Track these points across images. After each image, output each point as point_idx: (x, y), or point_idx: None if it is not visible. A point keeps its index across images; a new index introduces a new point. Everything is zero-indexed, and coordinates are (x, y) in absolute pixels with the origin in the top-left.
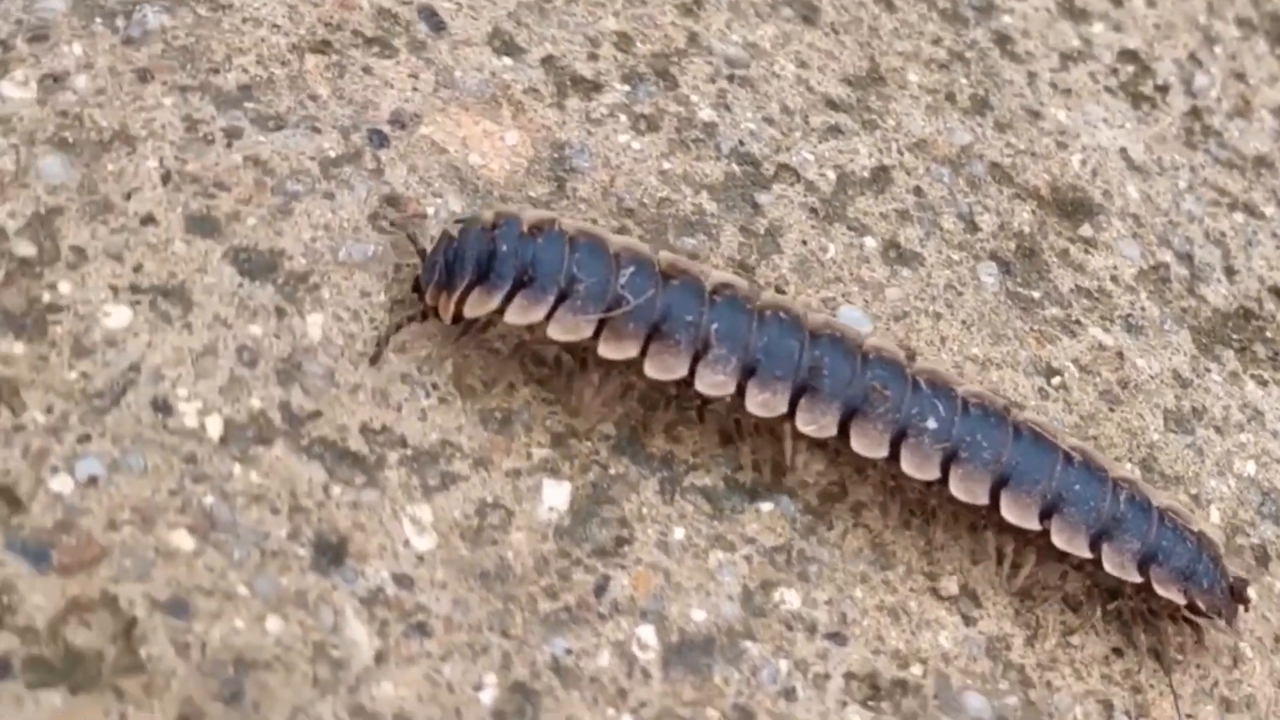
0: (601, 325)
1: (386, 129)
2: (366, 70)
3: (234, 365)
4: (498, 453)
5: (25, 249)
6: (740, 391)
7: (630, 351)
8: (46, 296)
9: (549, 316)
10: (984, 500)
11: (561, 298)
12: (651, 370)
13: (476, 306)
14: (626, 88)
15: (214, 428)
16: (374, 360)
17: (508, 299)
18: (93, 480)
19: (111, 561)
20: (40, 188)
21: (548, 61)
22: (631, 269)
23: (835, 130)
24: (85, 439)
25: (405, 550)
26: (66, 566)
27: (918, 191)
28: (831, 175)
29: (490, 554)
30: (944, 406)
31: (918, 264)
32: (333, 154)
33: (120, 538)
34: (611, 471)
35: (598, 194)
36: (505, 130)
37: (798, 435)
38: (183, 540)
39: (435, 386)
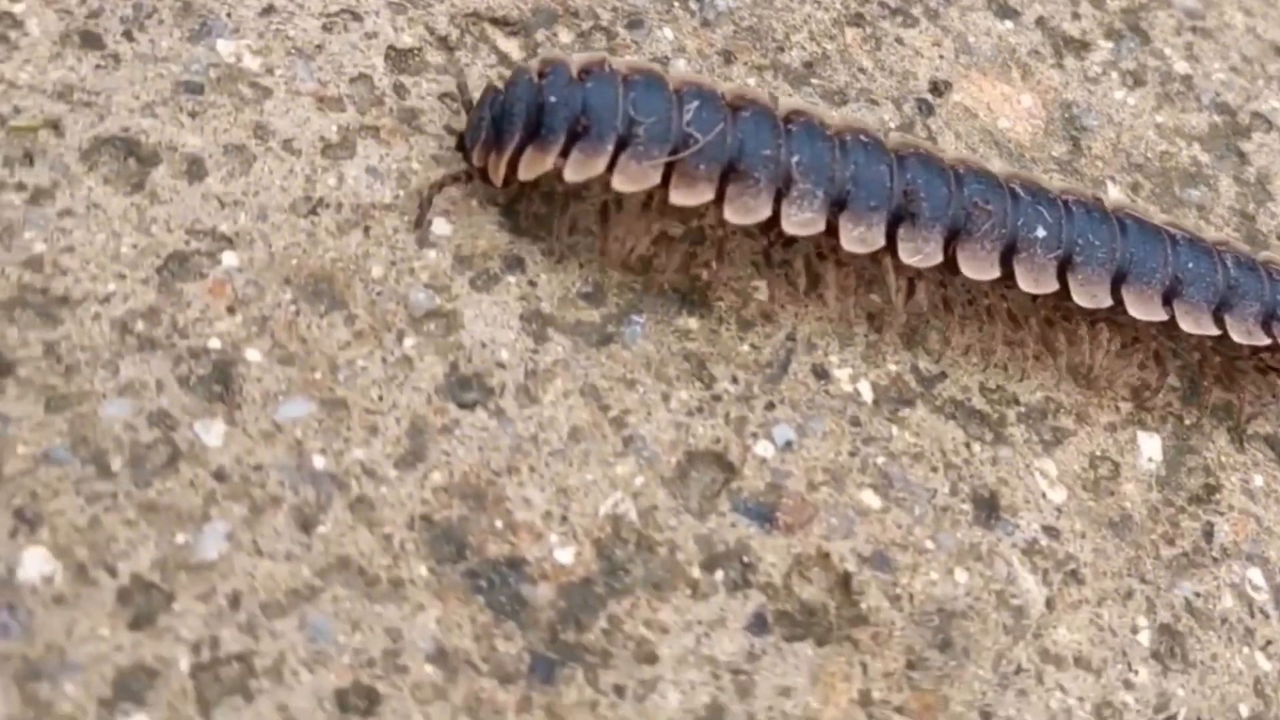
0: (670, 170)
1: (929, 97)
2: (898, 41)
3: (866, 332)
4: (1092, 408)
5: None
6: (831, 229)
7: (706, 195)
8: (704, 275)
9: (611, 168)
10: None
11: (622, 145)
12: (732, 215)
13: (530, 167)
14: (1110, 44)
15: (866, 392)
16: (417, 224)
17: (563, 155)
18: (788, 444)
19: (820, 520)
20: None
21: (1041, 23)
22: (696, 104)
23: None
24: (770, 406)
25: (1044, 502)
26: (788, 526)
27: None
28: None
29: (1112, 504)
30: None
31: None
32: (893, 125)
33: (821, 497)
34: (1186, 422)
35: (1109, 151)
36: (1020, 93)
37: (900, 268)
38: (870, 499)
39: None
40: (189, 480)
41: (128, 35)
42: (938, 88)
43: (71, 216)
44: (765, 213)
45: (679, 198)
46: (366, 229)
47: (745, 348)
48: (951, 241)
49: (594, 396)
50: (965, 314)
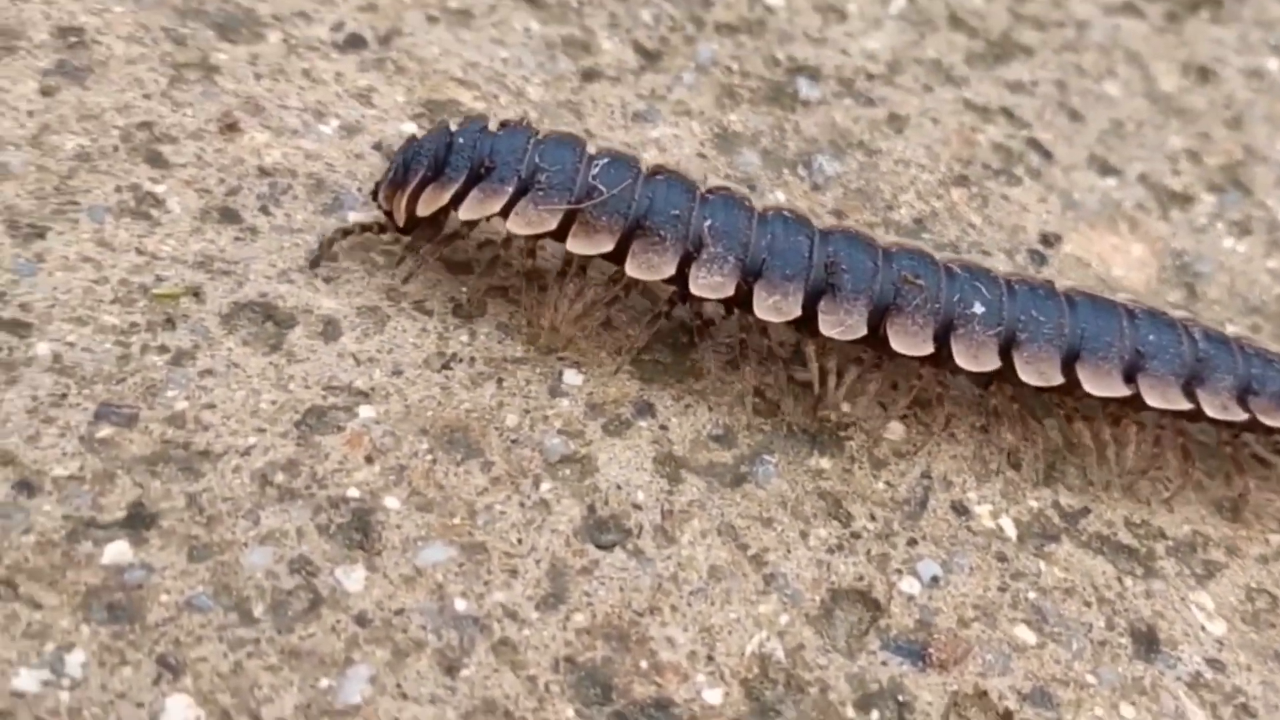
0: (571, 219)
1: (1040, 248)
2: (1004, 198)
3: (1002, 468)
4: (1241, 540)
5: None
6: (745, 298)
7: (605, 247)
8: (833, 416)
9: (507, 210)
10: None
11: (522, 190)
12: (634, 270)
13: (428, 203)
14: (1214, 197)
15: (1009, 528)
16: (313, 265)
17: (461, 194)
18: (934, 580)
19: (975, 656)
20: None
21: (1143, 179)
22: (605, 161)
23: None
24: (912, 543)
25: (1205, 635)
26: (942, 663)
27: None
28: None
29: (1275, 636)
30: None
31: None
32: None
33: (974, 633)
34: None
35: (1225, 295)
36: (1129, 244)
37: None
38: (1025, 634)
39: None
40: (331, 625)
41: (264, 210)
42: (1048, 240)
43: (212, 375)
44: (669, 270)
45: (576, 246)
46: (500, 380)
47: (880, 485)
48: (880, 316)
49: (731, 535)
50: (1102, 450)
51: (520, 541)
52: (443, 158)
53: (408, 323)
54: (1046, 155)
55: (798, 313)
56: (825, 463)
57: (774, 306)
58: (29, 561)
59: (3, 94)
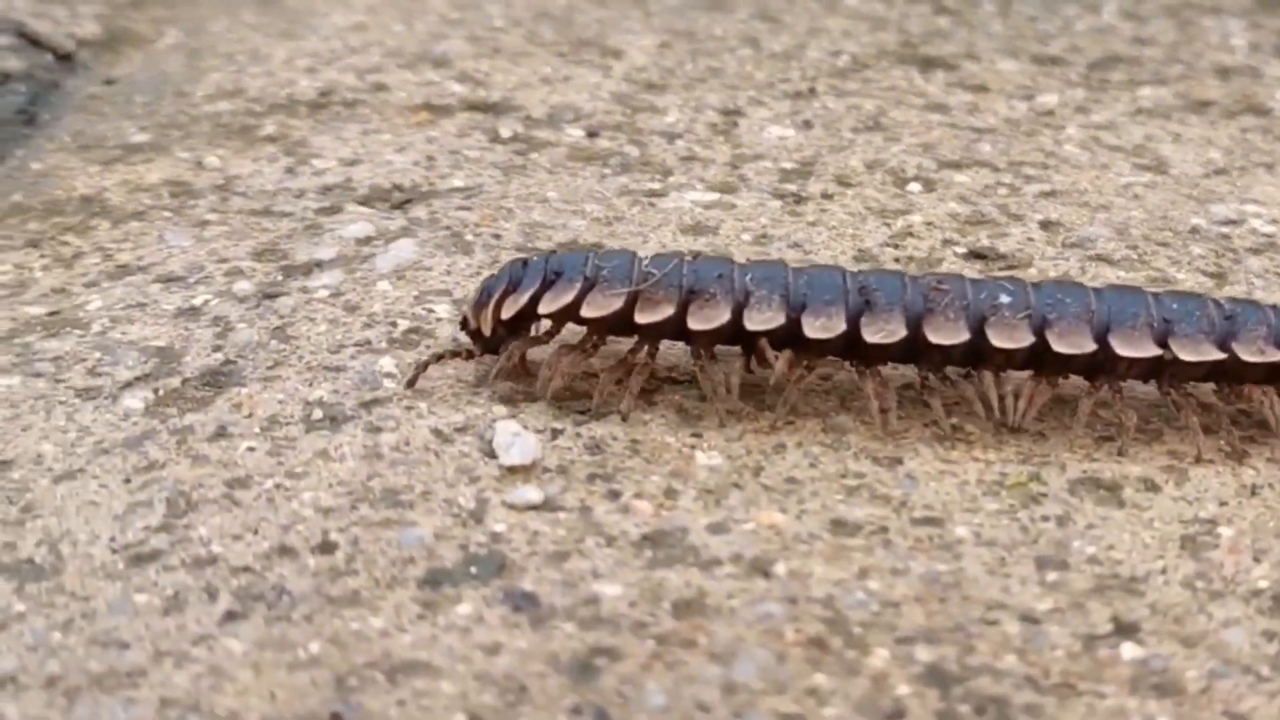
0: (634, 300)
1: None
2: None
3: None
4: None
5: None
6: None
7: (667, 312)
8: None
9: (579, 300)
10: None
11: (590, 285)
12: (695, 323)
13: (511, 306)
14: None
15: None
16: (410, 384)
17: (537, 295)
18: None
19: None
20: None
21: None
22: (654, 256)
23: None
24: None
25: None
26: None
27: None
28: None
29: None
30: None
31: None
32: None
33: None
34: None
35: None
36: None
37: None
38: None
39: None
40: None
41: None
42: None
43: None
44: (725, 317)
45: (643, 318)
46: None
47: None
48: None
49: None
50: None
51: None
52: (518, 276)
53: None
54: None
55: (843, 328)
56: None
57: (822, 327)
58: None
59: None
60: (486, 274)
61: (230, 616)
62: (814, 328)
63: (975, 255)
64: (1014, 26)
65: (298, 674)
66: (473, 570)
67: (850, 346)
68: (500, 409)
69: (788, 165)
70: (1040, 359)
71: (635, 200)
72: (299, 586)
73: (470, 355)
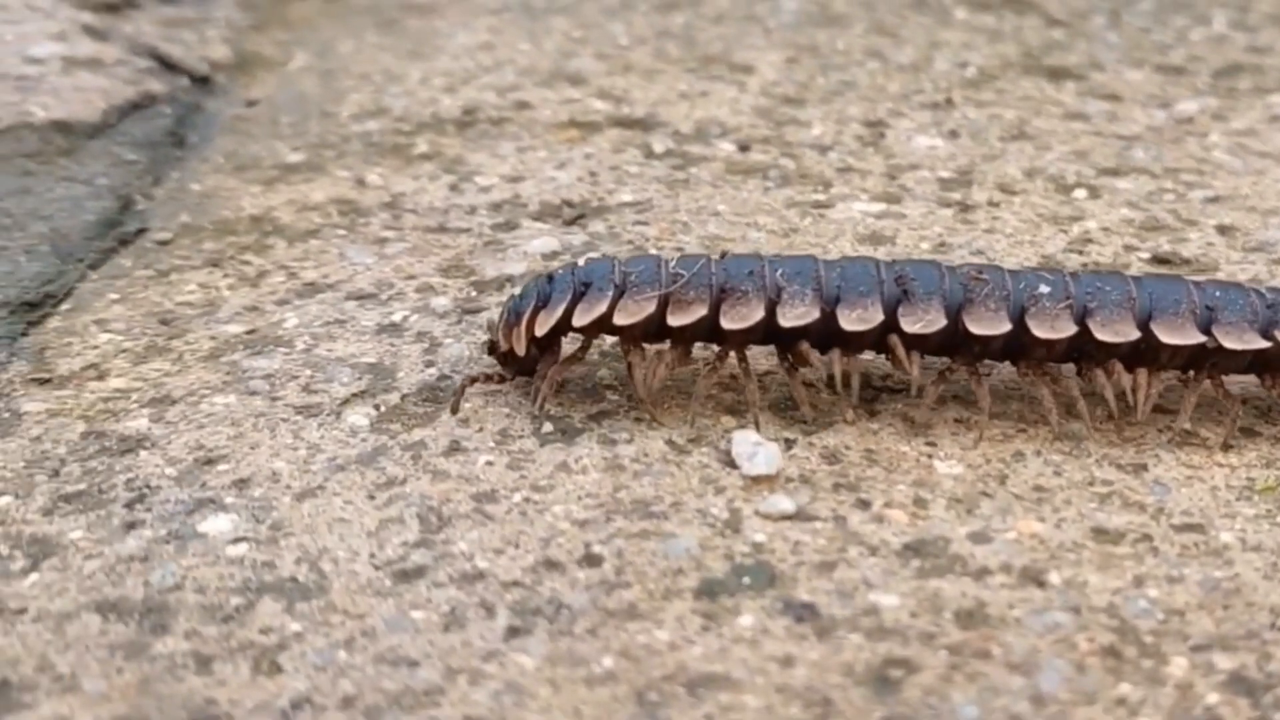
0: (665, 303)
1: None
2: None
3: None
4: None
5: None
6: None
7: (700, 313)
8: None
9: (612, 308)
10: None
11: (621, 293)
12: (728, 323)
13: (544, 323)
14: None
15: None
16: (454, 409)
17: (570, 309)
18: None
19: None
20: None
21: None
22: (680, 257)
23: None
24: None
25: None
26: None
27: None
28: None
29: None
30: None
31: None
32: None
33: None
34: None
35: None
36: None
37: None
38: None
39: None
40: None
41: None
42: None
43: None
44: (759, 315)
45: (676, 320)
46: None
47: None
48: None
49: None
50: None
51: None
52: (546, 292)
53: None
54: None
55: (881, 318)
56: None
57: (859, 319)
58: None
59: None
60: (509, 294)
61: (513, 632)
62: (850, 320)
63: (1159, 260)
64: (1129, 37)
65: (597, 689)
66: (745, 580)
67: (885, 339)
68: (729, 419)
69: (945, 174)
70: (1082, 349)
71: (804, 212)
72: (575, 600)
73: (502, 379)
